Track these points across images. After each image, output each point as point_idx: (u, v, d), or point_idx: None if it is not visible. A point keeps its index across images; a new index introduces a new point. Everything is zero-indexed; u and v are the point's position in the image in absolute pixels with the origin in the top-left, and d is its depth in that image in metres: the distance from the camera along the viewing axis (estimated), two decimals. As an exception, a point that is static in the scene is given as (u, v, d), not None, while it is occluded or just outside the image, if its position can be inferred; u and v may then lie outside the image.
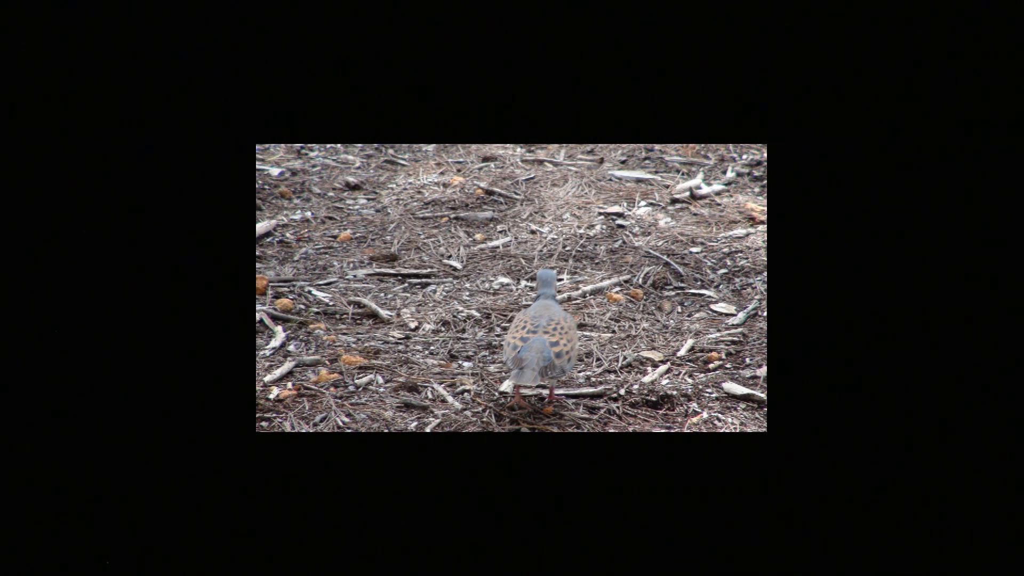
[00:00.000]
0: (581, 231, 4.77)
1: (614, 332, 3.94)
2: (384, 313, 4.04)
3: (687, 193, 5.12)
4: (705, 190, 5.16)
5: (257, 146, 5.56)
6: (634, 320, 4.03)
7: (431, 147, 5.77)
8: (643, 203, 5.05)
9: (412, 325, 3.98)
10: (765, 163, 5.50)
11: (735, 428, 3.31)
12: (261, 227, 4.77)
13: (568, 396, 3.48)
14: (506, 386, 3.54)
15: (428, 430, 3.30)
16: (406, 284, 4.34)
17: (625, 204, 5.04)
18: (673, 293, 4.26)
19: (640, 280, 4.32)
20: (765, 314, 3.99)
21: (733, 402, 3.45)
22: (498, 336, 3.91)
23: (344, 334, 3.90)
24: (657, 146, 5.73)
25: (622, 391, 3.49)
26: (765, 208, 4.93)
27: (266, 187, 5.24)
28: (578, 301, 4.17)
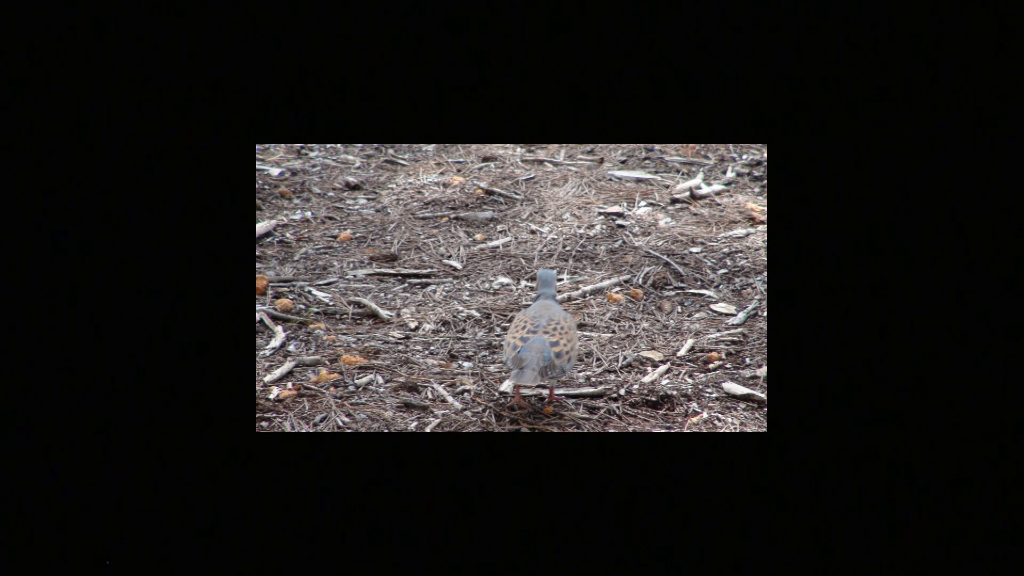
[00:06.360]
0: (581, 231, 4.77)
1: (614, 332, 3.94)
2: (384, 313, 4.04)
3: (687, 193, 5.12)
4: (705, 190, 5.16)
5: (257, 146, 5.56)
6: (634, 320, 4.03)
7: (431, 147, 5.77)
8: (643, 203, 5.05)
9: (412, 325, 3.98)
10: (765, 163, 5.50)
11: (735, 428, 3.31)
12: (261, 227, 4.77)
13: (568, 396, 3.48)
14: (506, 386, 3.54)
15: (428, 430, 3.30)
16: (406, 284, 4.35)
17: (625, 204, 5.04)
18: (673, 293, 4.26)
19: (640, 280, 4.32)
20: (765, 314, 3.99)
21: (733, 402, 3.45)
22: (498, 336, 3.91)
23: (344, 334, 3.90)
24: (657, 146, 5.73)
25: (622, 391, 3.49)
26: (765, 208, 4.93)
27: (266, 187, 5.24)
28: (578, 301, 4.17)
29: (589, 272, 4.43)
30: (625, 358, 3.72)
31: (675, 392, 3.47)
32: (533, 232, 4.79)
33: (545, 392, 3.48)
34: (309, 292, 4.21)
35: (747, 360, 3.72)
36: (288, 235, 4.77)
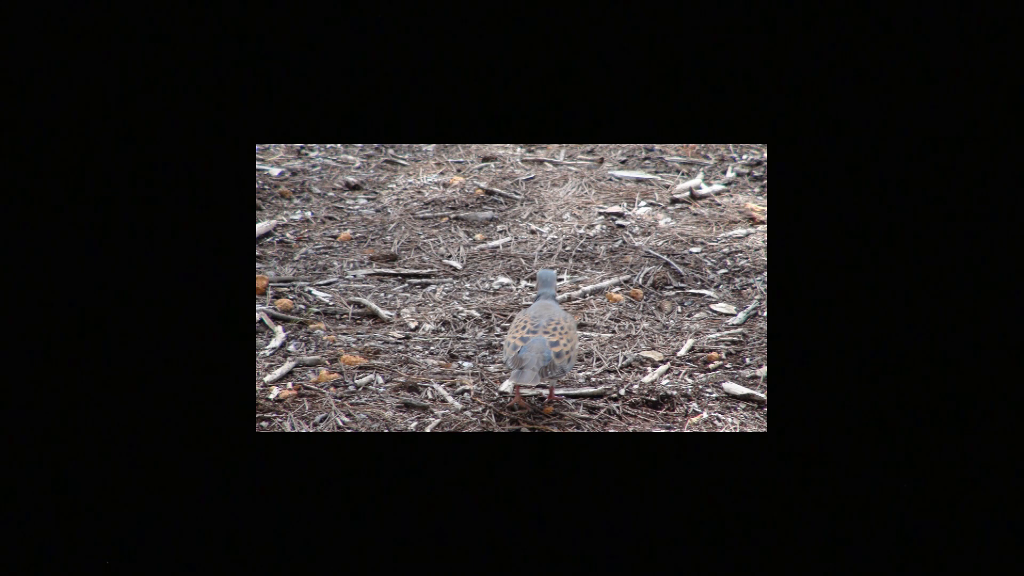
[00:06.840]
0: (581, 231, 4.77)
1: (614, 332, 3.94)
2: (384, 313, 4.04)
3: (687, 193, 5.12)
4: (705, 190, 5.16)
5: (257, 146, 5.56)
6: (634, 320, 4.03)
7: (431, 147, 5.77)
8: (643, 203, 5.05)
9: (412, 325, 3.98)
10: (765, 163, 5.50)
11: (735, 428, 3.31)
12: (261, 227, 4.77)
13: (568, 396, 3.48)
14: (506, 386, 3.54)
15: (428, 430, 3.30)
16: (406, 284, 4.35)
17: (625, 204, 5.04)
18: (673, 293, 4.26)
19: (640, 280, 4.32)
20: (765, 314, 3.99)
21: (733, 402, 3.45)
22: (498, 336, 3.91)
23: (344, 334, 3.90)
24: (657, 146, 5.73)
25: (622, 391, 3.49)
26: (765, 208, 4.93)
27: (266, 187, 5.24)
28: (578, 301, 4.17)
29: (589, 272, 4.43)
30: (625, 358, 3.72)
31: (675, 392, 3.47)
32: (533, 232, 4.79)
33: (545, 392, 3.48)
34: (309, 292, 4.21)
35: (747, 360, 3.71)
36: (288, 235, 4.77)
